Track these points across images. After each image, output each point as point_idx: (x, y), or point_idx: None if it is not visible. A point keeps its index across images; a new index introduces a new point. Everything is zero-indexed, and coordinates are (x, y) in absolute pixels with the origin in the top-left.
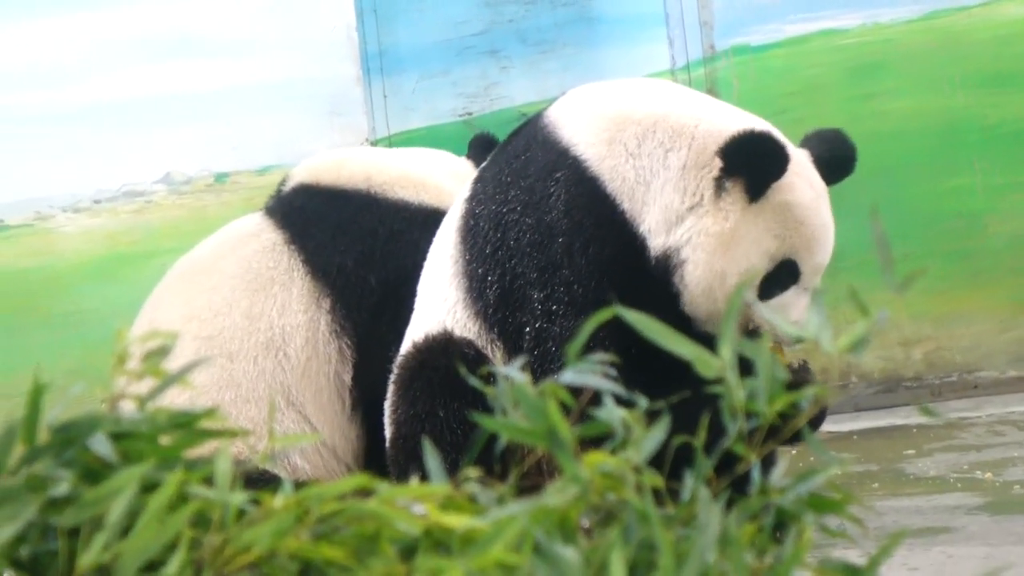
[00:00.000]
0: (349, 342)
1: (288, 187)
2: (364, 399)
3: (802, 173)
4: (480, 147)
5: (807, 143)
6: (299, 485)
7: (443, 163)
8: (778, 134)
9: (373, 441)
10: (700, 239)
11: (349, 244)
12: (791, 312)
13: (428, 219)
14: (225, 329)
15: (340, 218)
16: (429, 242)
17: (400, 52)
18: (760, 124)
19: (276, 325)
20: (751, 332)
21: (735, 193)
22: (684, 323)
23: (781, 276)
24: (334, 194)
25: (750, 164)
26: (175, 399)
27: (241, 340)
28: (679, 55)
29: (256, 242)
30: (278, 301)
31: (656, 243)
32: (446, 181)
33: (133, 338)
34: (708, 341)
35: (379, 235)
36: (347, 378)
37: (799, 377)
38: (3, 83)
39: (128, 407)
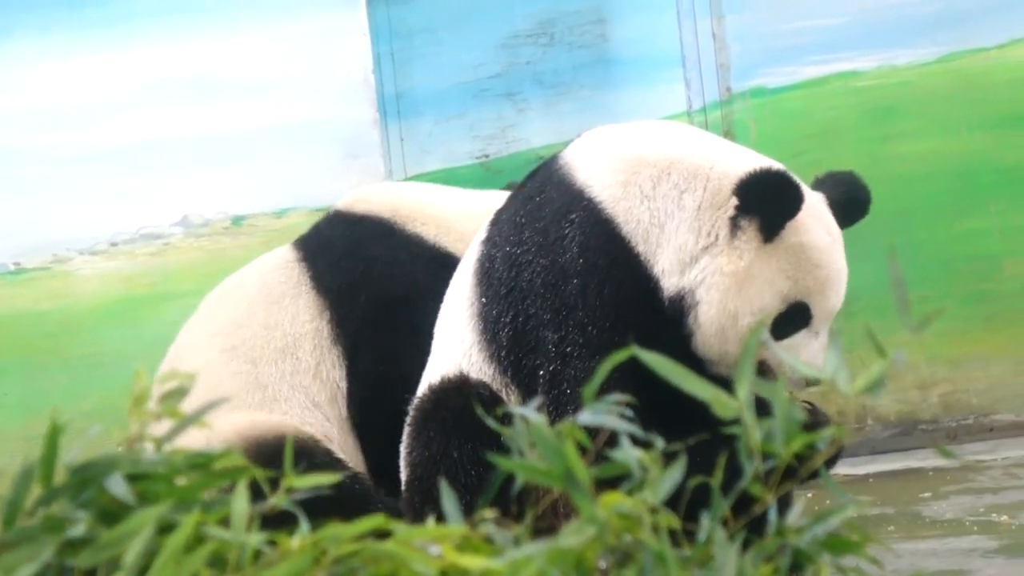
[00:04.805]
0: (342, 352)
1: (325, 216)
2: (356, 413)
3: (819, 216)
4: None
5: (821, 186)
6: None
7: (486, 206)
8: (793, 175)
9: (366, 455)
10: (714, 279)
11: (352, 266)
12: (800, 355)
13: (437, 258)
14: (247, 339)
15: (350, 243)
16: (430, 278)
17: (417, 95)
18: (775, 165)
19: (289, 333)
20: (761, 373)
21: (750, 232)
22: (696, 365)
23: (792, 318)
24: (355, 221)
25: (765, 202)
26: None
27: (261, 347)
28: (696, 97)
29: (273, 260)
30: (289, 312)
31: (669, 284)
32: (475, 225)
33: (161, 370)
34: (720, 383)
35: (380, 260)
36: (343, 385)
37: (815, 419)
38: (20, 126)
39: (146, 448)
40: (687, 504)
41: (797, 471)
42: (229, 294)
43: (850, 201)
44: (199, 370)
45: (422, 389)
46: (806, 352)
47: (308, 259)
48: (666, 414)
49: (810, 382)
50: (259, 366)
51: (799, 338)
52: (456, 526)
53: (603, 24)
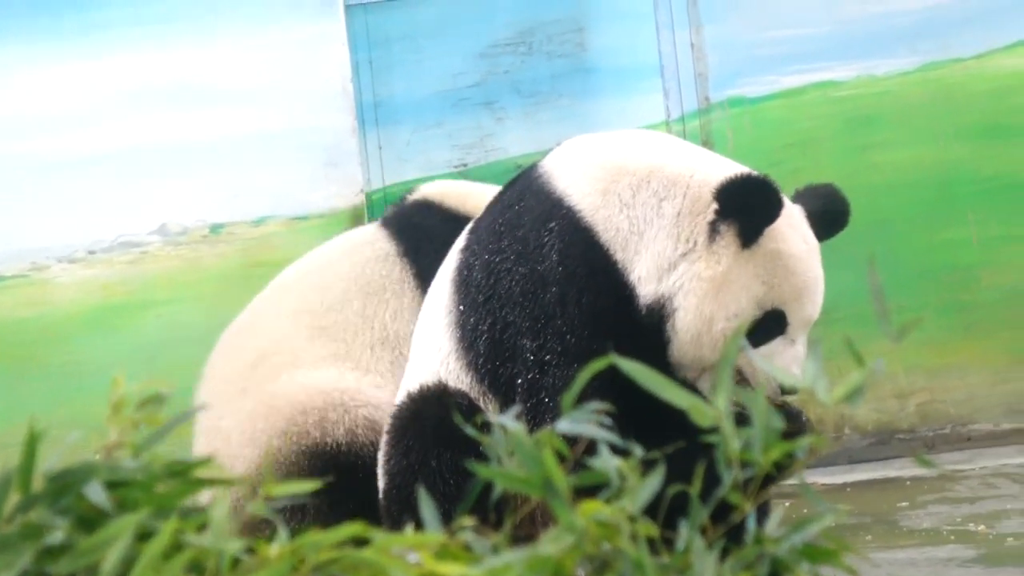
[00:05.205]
0: None
1: (409, 201)
2: None
3: (796, 226)
4: None
5: (800, 198)
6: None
7: None
8: (774, 182)
9: None
10: (692, 284)
11: None
12: (775, 362)
13: None
14: (338, 322)
15: (454, 238)
16: None
17: (395, 103)
18: (755, 172)
19: (390, 328)
20: (736, 380)
21: (728, 237)
22: (671, 372)
23: (768, 325)
24: (453, 216)
25: (744, 207)
26: (303, 365)
27: (355, 333)
28: (674, 107)
29: (370, 250)
30: (390, 307)
31: (647, 291)
32: None
33: (228, 340)
34: (698, 391)
35: None
36: None
37: (794, 425)
38: None
39: (124, 455)
40: (666, 512)
41: (775, 477)
42: (316, 274)
43: (829, 214)
44: (279, 339)
45: (400, 397)
46: (780, 360)
47: (410, 254)
48: (645, 422)
49: (787, 390)
50: (351, 346)
51: (774, 345)
52: (435, 534)
53: (582, 33)
